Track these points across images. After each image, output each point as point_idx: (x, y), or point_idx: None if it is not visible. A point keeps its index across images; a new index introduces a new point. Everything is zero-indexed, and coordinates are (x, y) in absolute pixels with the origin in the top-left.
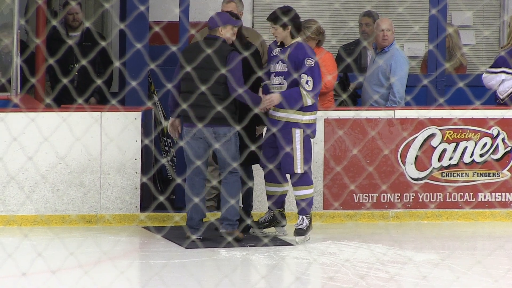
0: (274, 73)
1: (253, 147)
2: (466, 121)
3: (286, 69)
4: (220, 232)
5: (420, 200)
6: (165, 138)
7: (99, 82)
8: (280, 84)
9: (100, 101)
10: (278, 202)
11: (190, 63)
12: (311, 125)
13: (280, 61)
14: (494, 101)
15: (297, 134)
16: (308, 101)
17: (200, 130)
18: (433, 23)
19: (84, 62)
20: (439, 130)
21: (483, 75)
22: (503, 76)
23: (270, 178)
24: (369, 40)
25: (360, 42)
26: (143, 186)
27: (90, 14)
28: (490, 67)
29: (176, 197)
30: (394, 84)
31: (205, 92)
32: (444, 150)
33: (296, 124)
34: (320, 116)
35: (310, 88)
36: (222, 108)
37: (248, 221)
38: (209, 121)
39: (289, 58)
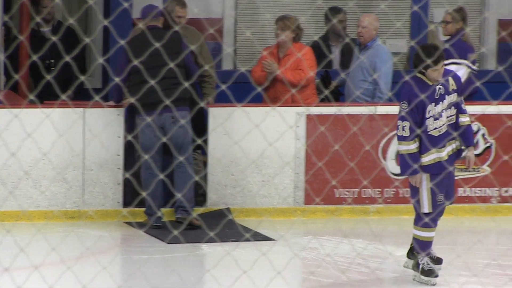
0: None
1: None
2: None
3: None
4: (176, 218)
5: (401, 195)
6: None
7: (83, 78)
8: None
9: (74, 96)
10: None
11: (142, 52)
12: None
13: None
14: None
15: None
16: None
17: (159, 118)
18: (415, 20)
19: (68, 58)
20: None
21: None
22: (453, 67)
23: None
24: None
25: (329, 38)
26: (126, 182)
27: (74, 11)
28: None
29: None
30: (380, 80)
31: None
32: None
33: None
34: (302, 112)
35: None
36: (183, 91)
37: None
38: (168, 105)
39: None
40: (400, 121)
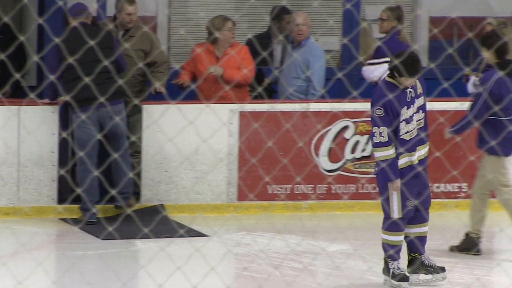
0: None
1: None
2: None
3: None
4: (118, 205)
5: (334, 191)
6: None
7: (17, 76)
8: None
9: (12, 94)
10: None
11: (75, 49)
12: None
13: None
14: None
15: None
16: None
17: (96, 113)
18: (347, 17)
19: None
20: (352, 122)
21: (364, 68)
22: (386, 66)
23: None
24: (285, 34)
25: (269, 34)
26: (61, 179)
27: (8, 8)
28: (372, 58)
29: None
30: (313, 77)
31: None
32: (357, 142)
33: None
34: (236, 109)
35: None
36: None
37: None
38: (105, 100)
39: None
40: (376, 127)
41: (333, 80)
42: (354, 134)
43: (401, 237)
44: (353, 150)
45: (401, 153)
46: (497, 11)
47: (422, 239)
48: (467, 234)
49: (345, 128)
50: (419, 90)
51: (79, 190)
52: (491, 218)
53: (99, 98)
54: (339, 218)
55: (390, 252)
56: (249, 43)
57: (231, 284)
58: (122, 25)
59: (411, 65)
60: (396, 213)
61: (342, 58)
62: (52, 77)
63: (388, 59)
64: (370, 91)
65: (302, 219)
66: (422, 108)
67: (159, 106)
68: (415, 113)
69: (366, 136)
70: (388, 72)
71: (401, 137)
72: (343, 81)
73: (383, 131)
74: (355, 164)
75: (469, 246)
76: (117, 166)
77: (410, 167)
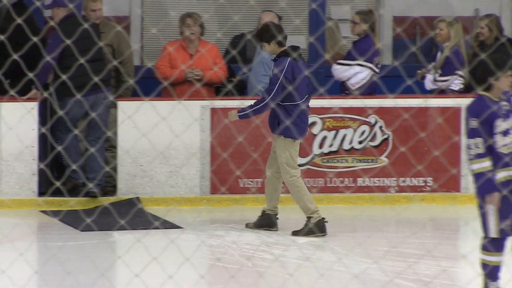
0: None
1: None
2: (346, 110)
3: None
4: (92, 192)
5: None
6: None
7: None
8: None
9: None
10: None
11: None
12: None
13: None
14: (339, 91)
15: None
16: None
17: (84, 99)
18: (313, 17)
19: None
20: (320, 118)
21: (334, 67)
22: (358, 68)
23: None
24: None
25: (245, 35)
26: (41, 172)
27: None
28: (343, 59)
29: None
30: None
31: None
32: (324, 138)
33: None
34: (207, 105)
35: None
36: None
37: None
38: (92, 88)
39: None
40: (472, 139)
41: (300, 77)
42: (322, 129)
43: (500, 257)
44: (320, 145)
45: (498, 167)
46: (458, 11)
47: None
48: (264, 212)
49: (313, 124)
50: None
51: (57, 184)
52: (456, 210)
53: (95, 83)
54: None
55: (488, 272)
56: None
57: (205, 274)
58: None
59: (503, 60)
60: (492, 233)
61: (309, 56)
62: (48, 57)
63: (360, 62)
64: (336, 88)
65: None
66: None
67: (133, 102)
68: (510, 128)
69: (333, 132)
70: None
71: (498, 150)
72: (310, 79)
73: (479, 143)
74: (323, 158)
75: (268, 222)
76: (92, 154)
77: (508, 182)
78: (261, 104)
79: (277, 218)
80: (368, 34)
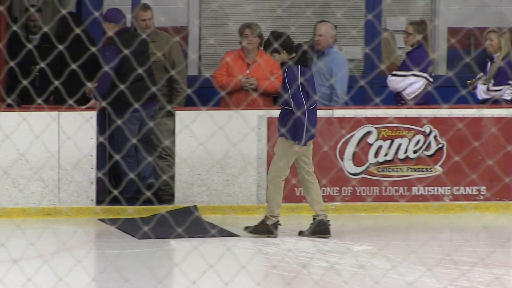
0: None
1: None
2: (401, 120)
3: None
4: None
5: (358, 194)
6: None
7: (57, 83)
8: None
9: (58, 100)
10: None
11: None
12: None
13: None
14: (394, 101)
15: None
16: None
17: (140, 113)
18: (369, 28)
19: (42, 64)
20: (375, 128)
21: (390, 78)
22: (412, 79)
23: None
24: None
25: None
26: (99, 181)
27: (48, 19)
28: (398, 70)
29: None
30: (336, 85)
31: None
32: (380, 147)
33: None
34: (264, 115)
35: None
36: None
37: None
38: (147, 101)
39: None
40: None
41: (356, 87)
42: (377, 139)
43: None
44: (376, 155)
45: None
46: None
47: None
48: (314, 218)
49: (368, 133)
50: None
51: (115, 192)
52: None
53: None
54: (363, 219)
55: None
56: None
57: (260, 282)
58: (140, 31)
59: None
60: None
61: (364, 66)
62: (107, 68)
63: (414, 73)
64: (391, 98)
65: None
66: None
67: (190, 112)
68: None
69: (388, 141)
70: None
71: None
72: (365, 89)
73: None
74: (378, 167)
75: (322, 229)
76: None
77: None
78: (302, 124)
79: (329, 223)
80: (422, 44)
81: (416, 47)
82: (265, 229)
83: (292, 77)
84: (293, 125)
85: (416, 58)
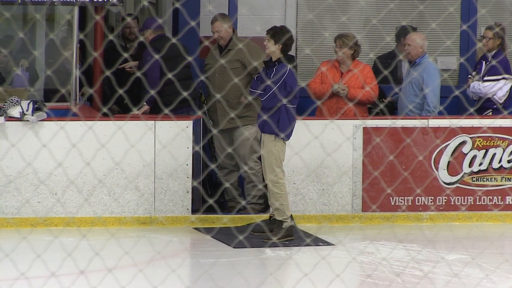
0: None
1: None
2: (495, 129)
3: None
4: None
5: (452, 203)
6: (214, 145)
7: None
8: None
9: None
10: None
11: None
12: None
13: None
14: (477, 109)
15: None
16: None
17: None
18: (464, 38)
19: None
20: (470, 137)
21: (484, 84)
22: (502, 82)
23: None
24: (404, 53)
25: (394, 54)
26: (194, 190)
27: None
28: (488, 75)
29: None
30: (427, 94)
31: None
32: (474, 157)
33: None
34: (359, 124)
35: None
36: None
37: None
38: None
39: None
40: None
41: (450, 97)
42: (472, 149)
43: None
44: (470, 164)
45: None
46: None
47: None
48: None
49: (463, 143)
50: None
51: (211, 201)
52: None
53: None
54: (458, 228)
55: None
56: (374, 63)
57: None
58: (217, 43)
59: None
60: None
61: (459, 76)
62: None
63: (504, 75)
64: (484, 108)
65: (422, 229)
66: None
67: None
68: None
69: (483, 151)
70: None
71: None
72: (460, 99)
73: None
74: (473, 177)
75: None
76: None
77: None
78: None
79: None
80: (500, 48)
81: (496, 51)
82: (288, 231)
83: (292, 81)
84: (273, 120)
85: (503, 62)
